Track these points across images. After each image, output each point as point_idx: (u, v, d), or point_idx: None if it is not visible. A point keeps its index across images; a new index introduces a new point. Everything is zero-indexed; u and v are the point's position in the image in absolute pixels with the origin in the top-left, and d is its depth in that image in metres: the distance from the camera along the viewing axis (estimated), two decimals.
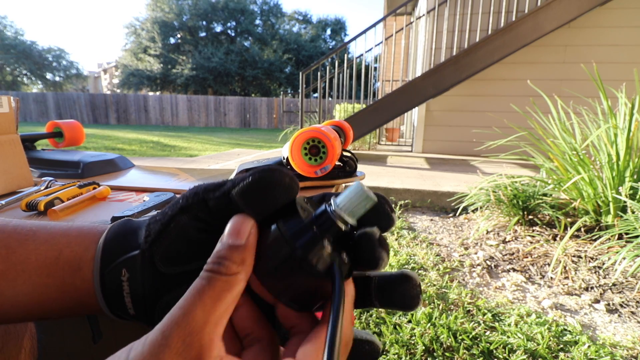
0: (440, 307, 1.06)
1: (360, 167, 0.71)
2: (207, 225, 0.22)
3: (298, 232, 0.19)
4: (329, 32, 23.32)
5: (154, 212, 0.26)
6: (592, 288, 1.18)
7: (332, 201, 0.20)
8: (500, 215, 1.74)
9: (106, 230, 0.25)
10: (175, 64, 19.72)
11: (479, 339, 0.92)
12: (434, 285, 1.21)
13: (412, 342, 0.91)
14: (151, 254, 0.23)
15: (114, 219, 0.43)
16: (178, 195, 0.25)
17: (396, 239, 1.64)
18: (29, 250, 0.24)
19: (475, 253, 1.50)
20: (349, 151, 0.71)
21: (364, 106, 3.87)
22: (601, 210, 1.50)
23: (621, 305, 1.09)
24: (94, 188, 0.56)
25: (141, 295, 0.23)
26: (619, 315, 1.05)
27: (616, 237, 1.32)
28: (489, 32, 3.53)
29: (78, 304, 0.24)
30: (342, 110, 4.79)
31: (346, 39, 15.48)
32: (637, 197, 1.39)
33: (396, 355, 0.87)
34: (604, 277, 1.23)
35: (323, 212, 0.19)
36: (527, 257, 1.40)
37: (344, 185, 0.69)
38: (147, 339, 0.16)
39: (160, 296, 0.23)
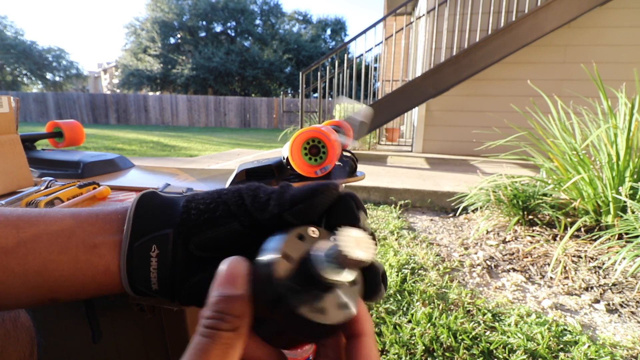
0: (440, 307, 1.06)
1: (360, 167, 0.71)
2: (251, 228, 0.24)
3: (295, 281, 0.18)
4: (329, 32, 23.32)
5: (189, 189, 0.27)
6: (592, 288, 1.18)
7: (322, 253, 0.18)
8: (500, 215, 1.74)
9: (134, 202, 0.25)
10: (175, 64, 19.72)
11: (479, 339, 0.92)
12: (434, 285, 1.21)
13: (412, 342, 0.91)
14: (187, 237, 0.24)
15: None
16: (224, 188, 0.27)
17: (396, 239, 1.64)
18: (40, 230, 0.24)
19: (475, 253, 1.50)
20: (349, 151, 0.71)
21: (364, 106, 3.87)
22: (601, 210, 1.50)
23: (621, 305, 1.09)
24: (94, 188, 0.56)
25: (169, 272, 0.24)
26: (619, 315, 1.05)
27: (616, 237, 1.32)
28: (489, 32, 3.52)
29: (91, 281, 0.24)
30: (342, 110, 4.79)
31: (346, 39, 15.47)
32: (637, 197, 1.39)
33: (396, 355, 0.87)
34: (604, 277, 1.23)
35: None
36: (527, 257, 1.40)
37: (343, 185, 0.69)
38: None
39: (188, 275, 0.24)
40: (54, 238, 0.24)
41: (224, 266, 0.19)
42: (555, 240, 1.50)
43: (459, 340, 0.91)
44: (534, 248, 1.45)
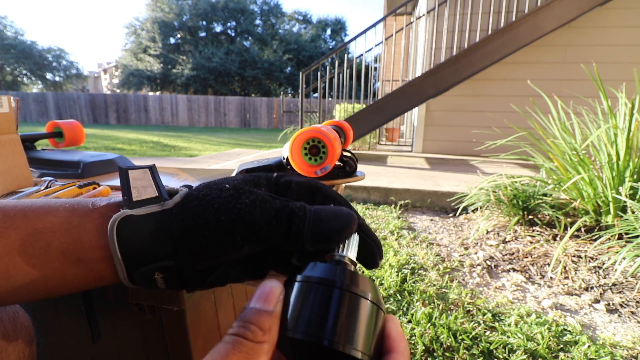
0: (440, 307, 1.06)
1: (360, 167, 0.71)
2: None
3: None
4: (329, 32, 23.32)
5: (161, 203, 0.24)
6: (592, 288, 1.18)
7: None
8: (500, 215, 1.74)
9: (112, 233, 0.23)
10: (175, 64, 19.72)
11: (479, 339, 0.92)
12: (434, 285, 1.21)
13: (412, 342, 0.91)
14: (192, 264, 0.23)
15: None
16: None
17: (396, 239, 1.64)
18: (11, 241, 0.22)
19: (475, 253, 1.50)
20: (349, 151, 0.71)
21: (364, 106, 3.87)
22: (601, 210, 1.50)
23: (621, 305, 1.09)
24: (94, 188, 0.56)
25: (178, 281, 0.24)
26: (619, 315, 1.05)
27: (616, 237, 1.32)
28: (489, 32, 3.52)
29: (85, 285, 0.24)
30: (342, 110, 4.79)
31: (346, 39, 15.48)
32: (637, 197, 1.39)
33: None
34: (604, 277, 1.23)
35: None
36: (527, 257, 1.40)
37: (343, 185, 0.69)
38: None
39: (202, 280, 0.25)
40: (29, 250, 0.22)
41: (261, 287, 0.19)
42: (555, 240, 1.50)
43: (459, 340, 0.91)
44: (534, 248, 1.45)
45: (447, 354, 0.87)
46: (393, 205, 2.24)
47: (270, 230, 0.23)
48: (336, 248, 0.23)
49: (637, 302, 1.10)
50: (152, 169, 0.26)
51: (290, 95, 20.61)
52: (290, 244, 0.23)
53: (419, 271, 1.32)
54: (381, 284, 1.21)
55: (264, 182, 0.27)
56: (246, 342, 0.16)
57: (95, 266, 0.23)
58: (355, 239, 0.23)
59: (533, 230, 1.60)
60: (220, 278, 0.25)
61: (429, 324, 0.98)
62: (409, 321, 1.00)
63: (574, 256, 1.35)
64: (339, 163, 0.69)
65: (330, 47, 22.56)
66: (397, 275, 1.25)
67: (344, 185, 0.71)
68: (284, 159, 0.65)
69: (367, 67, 4.09)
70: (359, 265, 0.24)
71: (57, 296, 0.24)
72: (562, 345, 0.91)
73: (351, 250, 0.23)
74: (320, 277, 0.19)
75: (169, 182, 0.68)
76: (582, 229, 1.52)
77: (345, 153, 0.70)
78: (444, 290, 1.18)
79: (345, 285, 0.18)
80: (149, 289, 0.25)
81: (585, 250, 1.36)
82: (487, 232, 1.68)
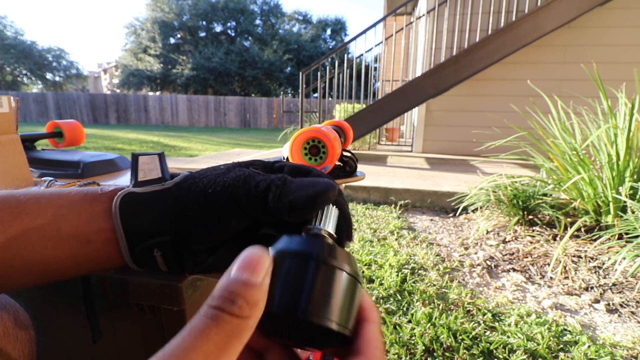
0: (440, 307, 1.06)
1: (360, 167, 0.71)
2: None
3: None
4: (329, 32, 23.32)
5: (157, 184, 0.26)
6: (592, 288, 1.18)
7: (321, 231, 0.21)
8: (500, 215, 1.74)
9: (116, 205, 0.24)
10: (175, 64, 19.72)
11: (479, 339, 0.92)
12: (434, 285, 1.21)
13: (412, 342, 0.91)
14: (186, 238, 0.24)
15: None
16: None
17: (396, 239, 1.64)
18: (25, 225, 0.24)
19: (475, 253, 1.50)
20: (349, 151, 0.71)
21: (364, 106, 3.87)
22: (601, 210, 1.50)
23: (621, 305, 1.09)
24: None
25: (176, 261, 0.25)
26: (619, 315, 1.05)
27: (616, 237, 1.32)
28: (489, 32, 3.52)
29: (93, 266, 0.25)
30: (342, 110, 4.79)
31: (346, 39, 15.47)
32: (637, 197, 1.39)
33: (396, 355, 0.87)
34: (604, 277, 1.23)
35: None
36: (527, 257, 1.40)
37: (343, 185, 0.70)
38: None
39: (197, 259, 0.25)
40: (42, 232, 0.23)
41: (245, 253, 0.17)
42: (555, 240, 1.50)
43: (459, 340, 0.91)
44: (534, 248, 1.45)
45: (447, 354, 0.87)
46: (393, 205, 2.24)
47: (250, 200, 0.23)
48: (314, 220, 0.22)
49: (637, 302, 1.10)
50: (161, 156, 0.28)
51: (290, 95, 20.62)
52: (269, 214, 0.23)
53: (419, 271, 1.32)
54: (381, 284, 1.21)
55: (260, 166, 0.28)
56: (231, 318, 0.14)
57: (104, 247, 0.24)
58: (333, 212, 0.23)
59: (533, 230, 1.60)
60: (218, 262, 0.26)
61: (429, 324, 0.98)
62: (409, 321, 1.00)
63: (574, 256, 1.35)
64: (339, 163, 0.69)
65: (330, 47, 22.57)
66: (397, 275, 1.25)
67: (344, 185, 0.71)
68: (284, 159, 0.65)
69: (367, 67, 4.09)
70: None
71: (68, 278, 0.26)
72: (562, 345, 0.91)
73: (329, 223, 0.22)
74: (296, 249, 0.18)
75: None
76: (582, 229, 1.52)
77: (345, 153, 0.70)
78: (444, 290, 1.18)
79: (322, 257, 0.18)
80: (151, 271, 0.27)
81: (585, 250, 1.36)
82: (487, 232, 1.68)
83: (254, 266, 0.16)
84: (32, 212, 0.24)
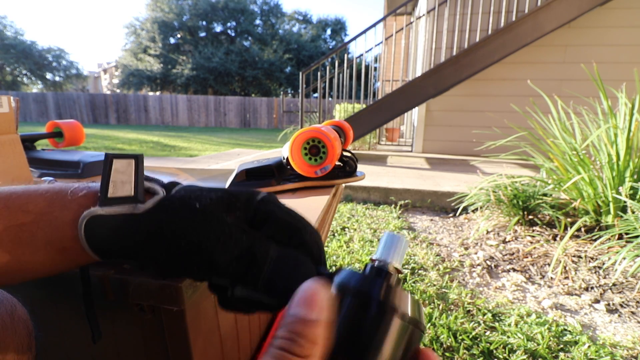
0: (440, 307, 1.06)
1: (360, 167, 0.71)
2: None
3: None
4: (329, 32, 23.32)
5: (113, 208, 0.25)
6: (592, 288, 1.18)
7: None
8: (500, 215, 1.74)
9: (80, 230, 0.24)
10: (175, 64, 19.71)
11: (479, 339, 0.92)
12: (434, 285, 1.21)
13: None
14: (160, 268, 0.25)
15: None
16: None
17: None
18: (3, 226, 0.24)
19: (475, 253, 1.50)
20: (349, 151, 0.71)
21: (364, 106, 3.87)
22: (601, 210, 1.50)
23: (621, 305, 1.09)
24: None
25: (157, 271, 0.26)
26: (619, 315, 1.05)
27: (616, 237, 1.32)
28: (489, 32, 3.52)
29: (75, 266, 0.26)
30: (342, 110, 4.79)
31: (346, 39, 15.48)
32: (637, 197, 1.39)
33: None
34: (604, 277, 1.23)
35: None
36: (527, 257, 1.40)
37: (343, 185, 0.69)
38: None
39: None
40: (16, 239, 0.23)
41: (303, 286, 0.17)
42: (555, 240, 1.50)
43: (459, 340, 0.91)
44: (534, 248, 1.45)
45: (447, 354, 0.87)
46: (393, 205, 2.24)
47: (228, 269, 0.23)
48: (380, 253, 0.20)
49: (637, 302, 1.10)
50: (138, 160, 0.26)
51: (290, 95, 20.62)
52: (247, 284, 0.23)
53: (419, 271, 1.32)
54: None
55: (243, 204, 0.26)
56: (292, 357, 0.15)
57: (81, 253, 0.24)
58: (403, 243, 0.20)
59: (533, 230, 1.60)
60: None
61: (429, 324, 0.98)
62: None
63: (574, 256, 1.35)
64: (339, 163, 0.69)
65: (330, 47, 22.56)
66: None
67: (344, 185, 0.71)
68: (284, 159, 0.65)
69: (367, 67, 4.09)
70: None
71: (45, 277, 0.26)
72: (562, 345, 0.91)
73: (396, 255, 0.20)
74: (356, 287, 0.18)
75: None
76: (582, 229, 1.52)
77: (345, 153, 0.70)
78: (444, 290, 1.18)
79: (383, 299, 0.17)
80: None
81: (585, 250, 1.36)
82: (487, 232, 1.68)
83: (313, 302, 0.16)
84: (3, 217, 0.23)
